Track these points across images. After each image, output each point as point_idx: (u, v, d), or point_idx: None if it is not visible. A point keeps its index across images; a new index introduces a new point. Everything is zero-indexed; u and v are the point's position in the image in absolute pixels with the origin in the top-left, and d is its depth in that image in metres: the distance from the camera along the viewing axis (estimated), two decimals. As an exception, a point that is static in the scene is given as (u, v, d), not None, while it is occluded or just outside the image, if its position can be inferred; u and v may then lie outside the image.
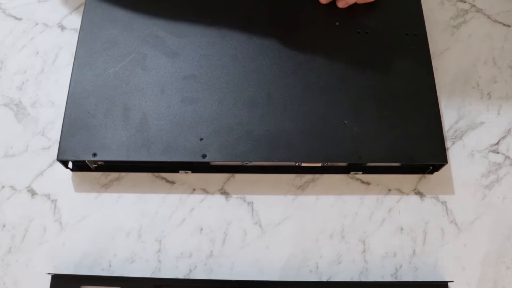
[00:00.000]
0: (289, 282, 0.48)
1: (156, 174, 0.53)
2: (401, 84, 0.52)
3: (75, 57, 0.53)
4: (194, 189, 0.53)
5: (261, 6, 0.57)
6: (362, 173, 0.53)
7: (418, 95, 0.52)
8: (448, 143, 0.54)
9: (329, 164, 0.51)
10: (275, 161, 0.49)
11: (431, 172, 0.52)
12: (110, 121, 0.50)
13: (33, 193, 0.53)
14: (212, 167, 0.52)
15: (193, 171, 0.53)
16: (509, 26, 0.61)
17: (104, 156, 0.49)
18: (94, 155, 0.49)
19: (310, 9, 0.57)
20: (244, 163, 0.51)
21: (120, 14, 0.56)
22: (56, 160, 0.50)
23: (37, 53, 0.60)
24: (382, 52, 0.54)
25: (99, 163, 0.51)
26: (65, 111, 0.51)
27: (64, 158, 0.49)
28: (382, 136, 0.50)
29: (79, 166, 0.53)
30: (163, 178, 0.53)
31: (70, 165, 0.52)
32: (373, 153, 0.49)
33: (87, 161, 0.50)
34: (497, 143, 0.54)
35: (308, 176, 0.53)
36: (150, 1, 0.57)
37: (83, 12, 0.56)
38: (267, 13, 0.56)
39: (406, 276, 0.49)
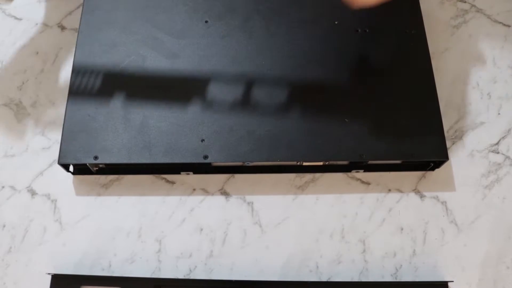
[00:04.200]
0: (289, 282, 0.48)
1: (156, 174, 0.53)
2: (400, 81, 0.52)
3: (73, 60, 0.53)
4: (194, 189, 0.53)
5: (260, 6, 0.57)
6: (364, 171, 0.53)
7: (417, 92, 0.52)
8: (448, 143, 0.54)
9: (331, 162, 0.51)
10: (276, 161, 0.49)
11: (432, 169, 0.52)
12: (111, 124, 0.50)
13: (33, 193, 0.53)
14: (214, 168, 0.52)
15: (195, 172, 0.53)
16: (509, 26, 0.61)
17: (105, 159, 0.49)
18: (95, 158, 0.49)
19: (309, 8, 0.57)
20: (246, 163, 0.51)
21: (119, 16, 0.56)
22: (56, 160, 0.50)
23: (37, 53, 0.60)
24: (381, 50, 0.54)
25: (100, 166, 0.51)
26: (65, 114, 0.51)
27: (65, 161, 0.49)
28: (383, 134, 0.50)
29: (80, 170, 0.53)
30: (163, 178, 0.53)
31: (71, 168, 0.52)
32: (374, 151, 0.49)
33: (88, 164, 0.50)
34: (497, 143, 0.54)
35: (308, 176, 0.53)
36: (149, 2, 0.57)
37: (81, 14, 0.56)
38: (266, 13, 0.56)
39: (406, 276, 0.49)
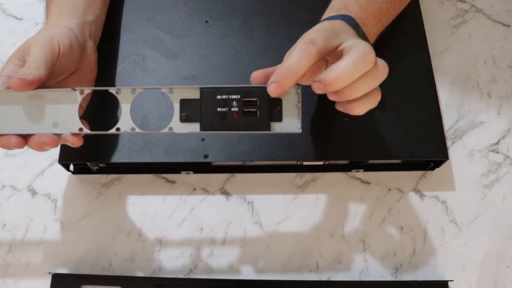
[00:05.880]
0: (289, 282, 0.48)
1: (156, 173, 0.53)
2: (401, 81, 0.52)
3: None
4: (195, 189, 0.53)
5: (260, 6, 0.57)
6: (364, 171, 0.53)
7: (418, 92, 0.52)
8: (448, 143, 0.54)
9: (331, 162, 0.51)
10: (277, 161, 0.49)
11: (432, 169, 0.52)
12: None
13: (33, 192, 0.53)
14: (214, 167, 0.52)
15: (195, 172, 0.53)
16: (509, 26, 0.61)
17: (106, 158, 0.49)
18: (96, 157, 0.49)
19: (309, 8, 0.57)
20: (246, 163, 0.51)
21: (119, 16, 0.56)
22: (56, 160, 0.50)
23: (38, 53, 0.60)
24: (381, 49, 0.54)
25: (101, 165, 0.51)
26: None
27: (66, 161, 0.49)
28: (383, 134, 0.50)
29: (81, 169, 0.53)
30: (164, 177, 0.53)
31: (71, 167, 0.52)
32: (374, 150, 0.49)
33: (88, 164, 0.50)
34: (497, 143, 0.55)
35: (308, 176, 0.53)
36: (149, 2, 0.57)
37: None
38: (266, 13, 0.56)
39: (406, 276, 0.49)
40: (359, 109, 0.39)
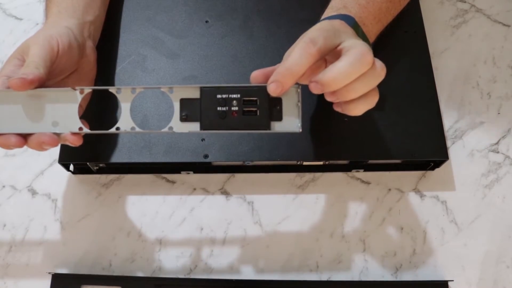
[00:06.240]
0: (289, 282, 0.48)
1: (156, 173, 0.53)
2: (400, 81, 0.52)
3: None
4: (195, 189, 0.53)
5: (260, 6, 0.57)
6: (364, 171, 0.53)
7: (417, 92, 0.52)
8: (448, 143, 0.54)
9: (331, 162, 0.51)
10: (277, 160, 0.49)
11: (432, 169, 0.52)
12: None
13: (33, 192, 0.53)
14: (214, 167, 0.52)
15: (195, 172, 0.53)
16: (509, 26, 0.61)
17: (106, 158, 0.49)
18: (96, 157, 0.49)
19: (309, 8, 0.57)
20: (246, 163, 0.51)
21: (119, 16, 0.56)
22: (56, 160, 0.50)
23: (38, 53, 0.60)
24: (381, 49, 0.54)
25: (101, 165, 0.51)
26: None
27: (66, 161, 0.49)
28: (383, 134, 0.50)
29: (81, 169, 0.53)
30: (164, 177, 0.53)
31: (71, 167, 0.52)
32: (374, 150, 0.49)
33: (88, 164, 0.50)
34: (497, 143, 0.55)
35: (308, 176, 0.53)
36: (149, 2, 0.57)
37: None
38: (266, 13, 0.56)
39: (406, 276, 0.49)
40: (357, 110, 0.39)
